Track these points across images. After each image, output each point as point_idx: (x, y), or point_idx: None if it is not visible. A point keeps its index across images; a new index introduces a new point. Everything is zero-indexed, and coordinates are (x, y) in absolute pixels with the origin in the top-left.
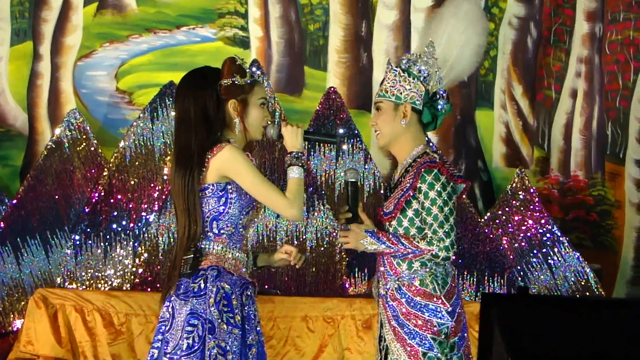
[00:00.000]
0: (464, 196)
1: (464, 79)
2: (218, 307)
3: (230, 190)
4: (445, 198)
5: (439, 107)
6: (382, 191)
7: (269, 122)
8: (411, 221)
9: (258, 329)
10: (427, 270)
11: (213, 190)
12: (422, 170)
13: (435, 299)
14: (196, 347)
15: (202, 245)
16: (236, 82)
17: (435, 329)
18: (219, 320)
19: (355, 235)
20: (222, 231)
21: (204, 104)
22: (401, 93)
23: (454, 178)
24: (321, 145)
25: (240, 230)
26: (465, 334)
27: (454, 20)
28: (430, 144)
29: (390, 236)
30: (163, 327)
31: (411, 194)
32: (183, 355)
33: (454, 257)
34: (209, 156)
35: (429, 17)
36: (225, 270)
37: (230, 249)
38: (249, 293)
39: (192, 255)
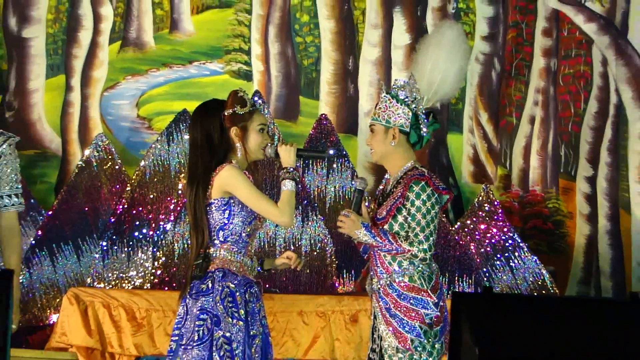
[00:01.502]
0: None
1: (450, 97)
2: (223, 303)
3: (233, 204)
4: (429, 207)
5: (422, 131)
6: (366, 203)
7: (269, 144)
8: (401, 225)
9: (263, 322)
10: (415, 268)
11: (217, 204)
12: (411, 181)
13: (422, 293)
14: (205, 338)
15: (210, 252)
16: (237, 111)
17: (422, 318)
18: (224, 315)
19: (352, 224)
20: (227, 239)
21: (209, 132)
22: (390, 118)
23: (439, 190)
24: (314, 163)
25: (245, 238)
26: (447, 325)
27: (438, 47)
28: (416, 160)
29: (380, 232)
30: (179, 323)
31: (401, 202)
32: (195, 345)
33: (430, 258)
34: (213, 175)
35: (407, 53)
36: (231, 272)
37: (235, 254)
38: (252, 291)
39: (201, 261)
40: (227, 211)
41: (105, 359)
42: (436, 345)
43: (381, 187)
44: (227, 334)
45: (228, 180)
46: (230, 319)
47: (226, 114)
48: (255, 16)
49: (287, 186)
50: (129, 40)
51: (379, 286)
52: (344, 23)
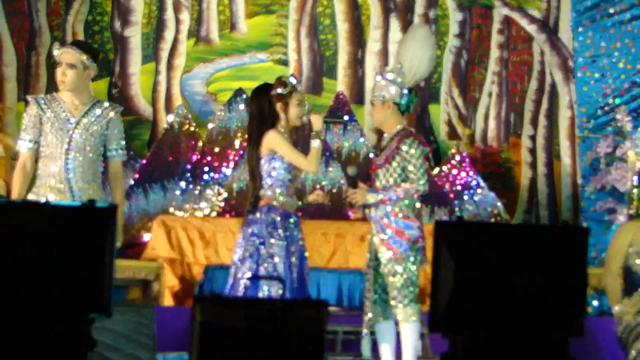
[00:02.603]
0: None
1: (424, 77)
2: (268, 229)
3: (276, 158)
4: (419, 153)
5: (404, 102)
6: (370, 154)
7: (304, 114)
8: (395, 170)
9: (300, 243)
10: (403, 202)
11: (266, 159)
12: (404, 137)
13: (409, 219)
14: (254, 254)
15: (260, 193)
16: (281, 92)
17: (408, 237)
18: (269, 237)
19: (362, 194)
20: (273, 183)
21: (261, 106)
22: (385, 94)
23: (423, 143)
24: (334, 126)
25: (287, 182)
26: (425, 243)
27: (413, 42)
28: (405, 123)
29: (384, 188)
30: (238, 245)
31: (396, 152)
32: (246, 258)
33: (427, 191)
34: (263, 138)
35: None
36: (274, 206)
37: (278, 194)
38: (291, 221)
39: (253, 199)
40: (273, 163)
41: (183, 266)
42: (418, 257)
43: (384, 142)
44: (270, 251)
45: (272, 141)
46: (273, 240)
47: (273, 93)
48: (291, 20)
49: (315, 144)
50: (201, 38)
51: (377, 213)
52: (355, 25)
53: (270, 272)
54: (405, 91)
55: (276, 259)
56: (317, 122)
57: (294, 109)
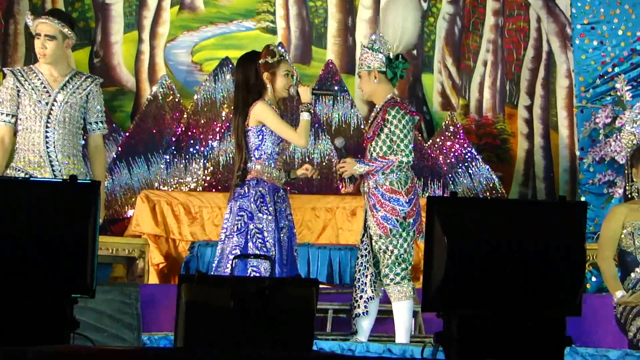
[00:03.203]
0: (422, 123)
1: (414, 43)
2: (256, 203)
3: (264, 131)
4: (404, 123)
5: (390, 70)
6: (362, 126)
7: (292, 85)
8: (384, 141)
9: (289, 217)
10: (394, 175)
11: (253, 131)
12: (388, 107)
13: (398, 194)
14: (242, 229)
15: (248, 166)
16: (268, 61)
17: (397, 212)
18: (257, 211)
19: (350, 165)
20: (261, 157)
21: (247, 76)
22: (370, 63)
23: (410, 112)
24: (323, 97)
25: (274, 155)
26: (419, 217)
27: (396, 10)
28: (396, 93)
29: (371, 159)
30: (226, 220)
31: (382, 124)
32: (234, 233)
33: (412, 161)
34: (250, 109)
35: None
36: (263, 180)
37: (266, 167)
38: (280, 194)
39: (240, 173)
40: (260, 136)
41: (168, 243)
42: (410, 233)
43: (373, 114)
44: (259, 226)
45: (260, 112)
46: (261, 215)
47: (260, 62)
48: None
49: (305, 117)
50: (185, 5)
51: (369, 188)
52: None
53: (259, 248)
54: (391, 58)
55: (265, 234)
56: (305, 94)
57: (281, 80)
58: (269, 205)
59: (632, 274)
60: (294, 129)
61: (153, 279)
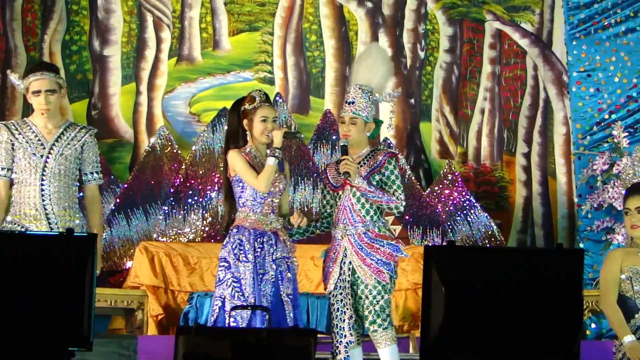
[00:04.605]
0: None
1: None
2: (234, 252)
3: (242, 179)
4: (397, 174)
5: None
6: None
7: (270, 130)
8: (376, 185)
9: (276, 262)
10: (380, 221)
11: (234, 179)
12: (389, 157)
13: (392, 240)
14: (223, 280)
15: (235, 216)
16: (246, 108)
17: (393, 258)
18: (235, 260)
19: (356, 169)
20: (245, 203)
21: (231, 123)
22: (368, 115)
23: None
24: (321, 145)
25: (260, 200)
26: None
27: (367, 60)
28: (388, 141)
29: (374, 184)
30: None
31: (379, 170)
32: (217, 284)
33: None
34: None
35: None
36: (243, 227)
37: (250, 213)
38: (265, 238)
39: (225, 224)
40: (241, 183)
41: (167, 294)
42: (395, 277)
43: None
44: (237, 275)
45: (230, 161)
46: (238, 262)
47: (240, 109)
48: (276, 37)
49: (270, 162)
50: (183, 56)
51: (354, 232)
52: (342, 41)
53: (236, 297)
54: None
55: (242, 282)
56: (277, 137)
57: (258, 125)
58: (247, 252)
59: (632, 320)
60: (255, 174)
61: (152, 330)
